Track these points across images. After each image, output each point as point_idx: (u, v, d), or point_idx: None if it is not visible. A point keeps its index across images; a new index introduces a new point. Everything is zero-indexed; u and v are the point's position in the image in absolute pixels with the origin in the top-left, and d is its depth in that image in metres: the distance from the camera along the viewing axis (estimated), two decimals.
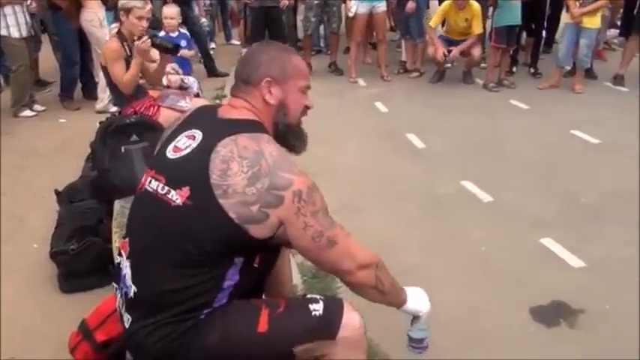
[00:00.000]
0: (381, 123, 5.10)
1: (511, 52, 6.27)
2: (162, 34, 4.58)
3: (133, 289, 1.48)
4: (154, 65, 3.51)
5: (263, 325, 1.44)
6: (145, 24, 3.34)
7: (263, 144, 1.42)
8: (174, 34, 4.82)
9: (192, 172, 1.41)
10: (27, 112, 5.34)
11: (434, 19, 6.07)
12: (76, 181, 3.29)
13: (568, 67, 6.07)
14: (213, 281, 1.43)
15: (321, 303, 1.50)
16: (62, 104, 5.60)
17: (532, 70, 6.49)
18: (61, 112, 5.47)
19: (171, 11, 4.89)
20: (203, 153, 1.41)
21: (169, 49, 3.34)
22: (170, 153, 1.48)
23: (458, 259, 2.84)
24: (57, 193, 3.14)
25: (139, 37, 3.25)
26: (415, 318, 1.90)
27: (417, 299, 1.76)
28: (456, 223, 3.22)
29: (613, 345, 2.21)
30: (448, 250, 2.93)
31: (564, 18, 6.20)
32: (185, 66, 4.66)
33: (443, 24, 6.29)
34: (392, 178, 3.86)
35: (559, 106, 5.41)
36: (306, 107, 1.61)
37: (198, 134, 1.47)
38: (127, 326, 1.50)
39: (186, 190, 1.40)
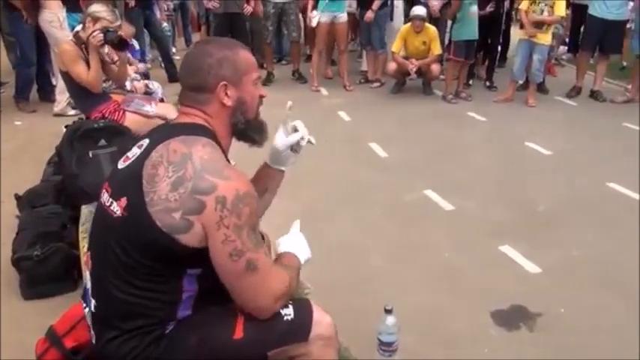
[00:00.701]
0: (344, 132, 5.19)
1: (468, 65, 6.48)
2: None
3: (93, 302, 1.46)
4: (115, 67, 3.48)
5: (239, 332, 1.42)
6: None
7: (194, 147, 1.36)
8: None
9: (130, 181, 1.37)
10: None
11: (395, 44, 6.23)
12: (37, 185, 3.21)
13: (521, 82, 6.31)
14: (169, 293, 1.40)
15: (291, 307, 1.47)
16: (17, 106, 5.45)
17: (488, 84, 6.73)
18: (16, 114, 5.32)
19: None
20: (141, 160, 1.38)
21: (120, 44, 3.31)
22: (120, 164, 1.46)
23: (421, 265, 2.93)
24: (17, 197, 3.06)
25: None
26: (382, 324, 1.96)
27: (300, 252, 1.63)
28: (419, 230, 3.31)
29: (567, 347, 2.32)
30: (412, 256, 3.02)
31: (516, 34, 6.47)
32: (134, 53, 4.68)
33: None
34: (356, 185, 3.93)
35: (514, 118, 5.63)
36: (261, 97, 1.56)
37: (146, 142, 1.43)
38: (94, 342, 1.49)
39: (124, 201, 1.36)
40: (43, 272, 2.52)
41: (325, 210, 3.53)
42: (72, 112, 5.00)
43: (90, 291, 1.48)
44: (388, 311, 1.99)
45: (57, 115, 5.10)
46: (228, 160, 1.47)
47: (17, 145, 4.50)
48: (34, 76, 5.55)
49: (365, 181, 4.00)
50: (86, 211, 2.55)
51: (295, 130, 1.72)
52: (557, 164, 4.39)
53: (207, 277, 1.40)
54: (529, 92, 6.08)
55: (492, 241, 3.16)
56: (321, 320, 1.50)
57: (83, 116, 3.52)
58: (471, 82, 6.77)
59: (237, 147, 1.60)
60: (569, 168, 4.27)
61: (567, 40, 7.85)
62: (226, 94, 1.46)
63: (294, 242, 1.65)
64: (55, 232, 2.65)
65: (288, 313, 1.46)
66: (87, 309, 1.53)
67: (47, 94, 5.61)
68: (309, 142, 1.74)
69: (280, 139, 1.71)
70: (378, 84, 6.72)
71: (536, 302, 2.60)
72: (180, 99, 1.52)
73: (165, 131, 1.47)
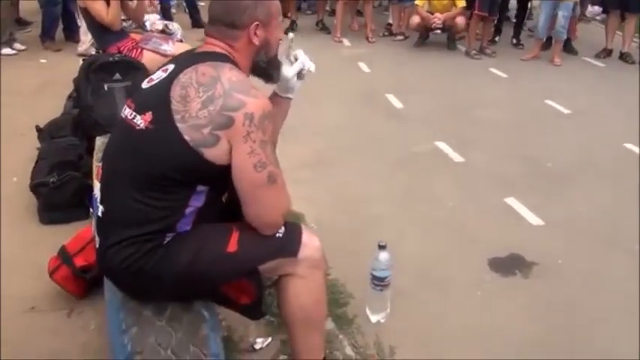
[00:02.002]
0: (362, 82, 5.17)
1: (495, 21, 6.32)
2: None
3: (101, 209, 1.55)
4: (133, 3, 3.53)
5: (233, 246, 1.51)
6: None
7: (222, 70, 1.46)
8: None
9: (156, 98, 1.47)
10: (7, 51, 5.29)
11: None
12: (57, 117, 3.32)
13: (544, 39, 6.15)
14: (174, 207, 1.49)
15: (282, 227, 1.57)
16: (43, 45, 5.55)
17: (514, 41, 6.57)
18: (41, 53, 5.43)
19: None
20: (167, 81, 1.47)
21: None
22: (144, 84, 1.57)
23: (424, 213, 2.98)
24: (38, 129, 3.18)
25: None
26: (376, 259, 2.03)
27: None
28: (426, 180, 3.35)
29: (560, 294, 2.38)
30: (415, 204, 3.07)
31: None
32: None
33: None
34: (368, 135, 3.96)
35: (536, 76, 5.53)
36: (280, 39, 1.67)
37: (171, 67, 1.53)
38: (97, 247, 1.58)
39: (149, 115, 1.46)
40: (59, 199, 2.64)
41: (335, 157, 3.58)
42: (95, 52, 5.07)
43: (99, 198, 1.57)
44: (382, 247, 2.06)
45: (80, 55, 5.17)
46: None
47: (41, 82, 4.62)
48: (60, 16, 5.62)
49: (377, 131, 4.02)
50: (99, 143, 2.64)
51: (297, 59, 1.78)
52: (575, 123, 4.33)
53: (212, 196, 1.52)
54: (554, 50, 5.93)
55: (498, 193, 3.18)
56: (310, 243, 1.58)
57: None
58: (497, 38, 6.61)
59: None
60: (587, 127, 4.22)
61: None
62: (256, 33, 1.56)
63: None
64: (71, 162, 2.76)
65: (280, 230, 1.55)
66: (94, 218, 1.63)
67: (72, 34, 5.69)
68: (309, 70, 1.79)
69: (286, 68, 1.76)
70: (402, 37, 6.62)
71: (535, 252, 2.64)
72: (208, 31, 1.61)
73: (191, 58, 1.56)
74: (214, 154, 1.42)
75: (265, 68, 1.64)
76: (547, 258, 2.61)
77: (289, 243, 1.56)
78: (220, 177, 1.47)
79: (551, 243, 2.75)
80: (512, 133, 4.10)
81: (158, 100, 1.46)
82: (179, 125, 1.41)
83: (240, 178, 1.45)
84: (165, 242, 1.50)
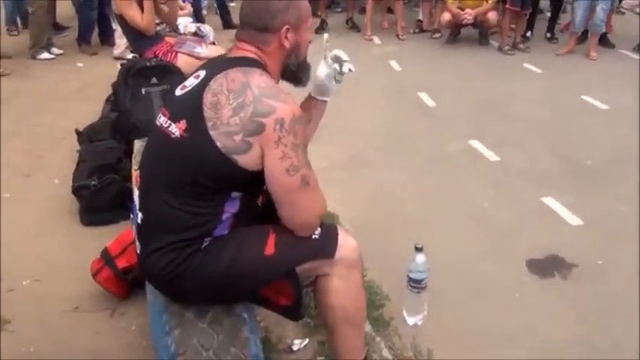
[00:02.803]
0: (393, 81, 5.15)
1: (527, 15, 6.21)
2: None
3: (140, 216, 1.59)
4: (165, 7, 3.59)
5: (270, 248, 1.52)
6: None
7: (251, 76, 1.46)
8: None
9: (190, 106, 1.48)
10: (45, 55, 5.42)
11: None
12: (96, 121, 3.40)
13: (579, 32, 6.01)
14: (210, 213, 1.50)
15: (319, 228, 1.57)
16: (80, 49, 5.68)
17: (548, 35, 6.44)
18: (78, 57, 5.55)
19: None
20: (199, 89, 1.48)
21: None
22: (177, 91, 1.58)
23: (460, 213, 2.95)
24: (78, 132, 3.26)
25: None
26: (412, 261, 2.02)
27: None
28: (461, 179, 3.32)
29: (603, 297, 2.33)
30: (450, 204, 3.04)
31: None
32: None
33: None
34: (401, 134, 3.94)
35: (572, 71, 5.42)
36: (310, 41, 1.66)
37: (202, 73, 1.54)
38: (138, 253, 1.62)
39: (183, 123, 1.48)
40: (100, 201, 2.70)
41: (368, 157, 3.58)
42: (130, 55, 5.16)
43: (138, 205, 1.60)
44: (419, 249, 2.05)
45: (116, 58, 5.28)
46: None
47: (79, 86, 4.73)
48: (96, 20, 5.74)
49: (410, 130, 4.01)
50: (138, 146, 2.69)
51: (337, 59, 1.78)
52: (613, 119, 4.23)
53: (246, 200, 1.53)
54: (590, 44, 5.80)
55: (535, 192, 3.13)
56: (346, 244, 1.58)
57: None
58: (529, 34, 6.47)
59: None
60: (625, 123, 4.11)
61: None
62: (287, 37, 1.56)
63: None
64: (110, 165, 2.82)
65: (316, 232, 1.56)
66: (133, 224, 1.66)
67: (107, 37, 5.81)
68: (349, 70, 1.78)
69: (322, 70, 1.76)
70: (438, 34, 6.51)
71: (574, 253, 2.60)
72: (239, 35, 1.61)
73: (222, 63, 1.57)
74: (247, 161, 1.43)
75: (295, 72, 1.65)
76: (587, 259, 2.56)
77: (326, 244, 1.56)
78: (254, 182, 1.49)
79: (590, 243, 2.70)
80: (548, 130, 4.03)
81: (191, 108, 1.47)
82: (211, 133, 1.42)
83: (274, 183, 1.46)
84: (203, 246, 1.52)
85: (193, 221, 1.49)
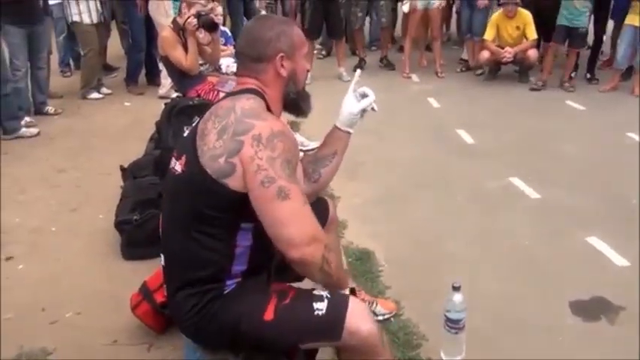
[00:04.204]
0: (432, 118, 5.15)
1: (579, 54, 6.10)
2: None
3: (163, 257, 1.62)
4: (208, 48, 3.73)
5: (270, 314, 1.47)
6: None
7: (239, 101, 1.48)
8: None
9: (188, 141, 1.52)
10: (95, 95, 5.67)
11: (487, 31, 6.06)
12: (140, 158, 3.51)
13: (624, 69, 5.90)
14: (222, 247, 1.48)
15: (326, 302, 1.48)
16: (127, 88, 5.92)
17: (588, 76, 6.27)
18: (125, 96, 5.78)
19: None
20: (198, 123, 1.52)
21: (212, 26, 3.59)
22: (185, 132, 1.63)
23: (500, 251, 2.89)
24: (122, 169, 3.37)
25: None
26: (450, 301, 1.98)
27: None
28: (500, 217, 3.25)
29: None
30: (490, 242, 2.98)
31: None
32: (229, 40, 5.13)
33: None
34: (439, 170, 3.92)
35: (616, 108, 5.31)
36: (307, 71, 1.69)
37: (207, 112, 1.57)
38: (165, 295, 1.65)
39: (183, 159, 1.51)
40: (141, 235, 2.76)
41: (406, 193, 3.56)
42: (175, 94, 5.34)
43: (162, 248, 1.63)
44: (456, 289, 2.01)
45: (162, 97, 5.45)
46: None
47: (125, 124, 4.91)
48: (143, 61, 5.99)
49: (448, 167, 3.98)
50: None
51: (365, 95, 1.81)
52: None
53: (260, 233, 1.45)
54: (635, 81, 5.68)
55: (579, 231, 3.05)
56: (357, 329, 1.46)
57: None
58: (573, 74, 6.24)
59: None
60: None
61: None
62: (282, 65, 1.58)
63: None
64: (152, 200, 2.89)
65: (321, 307, 1.47)
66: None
67: (154, 77, 6.03)
68: (372, 109, 1.82)
69: (351, 103, 1.80)
70: (480, 70, 6.49)
71: (621, 295, 2.50)
72: (237, 71, 1.67)
73: (224, 98, 1.61)
74: (235, 184, 1.41)
75: (296, 100, 1.65)
76: (635, 302, 2.45)
77: (330, 326, 1.46)
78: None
79: (638, 285, 2.59)
80: (592, 167, 3.94)
81: (188, 143, 1.51)
82: (201, 160, 1.44)
83: (253, 199, 1.40)
84: (225, 292, 1.52)
85: (206, 256, 1.49)
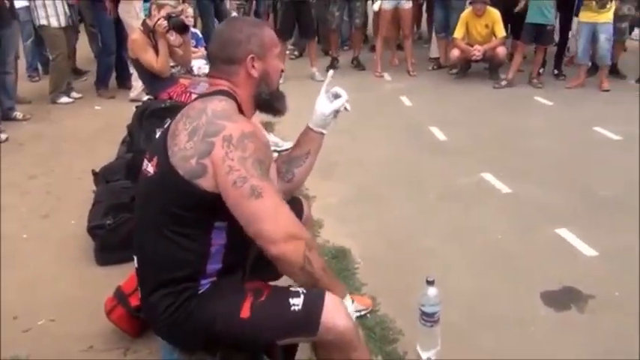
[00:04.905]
0: (404, 116, 5.20)
1: (546, 51, 6.23)
2: None
3: (136, 260, 1.61)
4: (179, 50, 3.71)
5: (246, 312, 1.48)
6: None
7: (210, 103, 1.48)
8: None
9: (159, 143, 1.53)
10: (64, 99, 5.59)
11: (457, 29, 6.13)
12: (112, 162, 3.47)
13: (588, 64, 6.04)
14: (199, 246, 1.49)
15: (302, 297, 1.48)
16: (97, 92, 5.85)
17: (555, 72, 6.42)
18: (96, 100, 5.71)
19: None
20: (169, 125, 1.54)
21: (182, 28, 3.58)
22: (157, 134, 1.64)
23: (473, 246, 2.93)
24: (94, 173, 3.33)
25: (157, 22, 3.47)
26: (424, 295, 2.01)
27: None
28: (472, 213, 3.31)
29: (620, 329, 2.28)
30: (463, 237, 3.03)
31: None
32: (200, 42, 5.10)
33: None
34: (413, 168, 3.96)
35: (583, 103, 5.44)
36: (281, 70, 1.69)
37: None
38: (140, 298, 1.63)
39: (155, 160, 1.52)
40: (115, 240, 2.73)
41: (380, 192, 3.59)
42: (146, 97, 5.29)
43: (135, 250, 1.63)
44: (430, 283, 2.03)
45: (133, 100, 5.41)
46: None
47: (96, 128, 4.85)
48: (114, 65, 5.92)
49: (422, 164, 4.02)
50: None
51: (337, 95, 1.82)
52: (626, 149, 4.20)
53: (234, 230, 1.46)
54: (601, 76, 5.83)
55: (549, 224, 3.11)
56: (334, 325, 1.47)
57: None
58: (541, 70, 6.40)
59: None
60: (637, 153, 4.09)
61: None
62: (253, 65, 1.59)
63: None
64: (125, 204, 2.86)
65: (297, 303, 1.48)
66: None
67: (124, 80, 5.97)
68: (345, 109, 1.83)
69: (324, 104, 1.81)
70: (455, 70, 6.54)
71: (590, 285, 2.56)
72: (210, 73, 1.67)
73: (195, 99, 1.61)
74: (208, 184, 1.42)
75: (269, 100, 1.65)
76: (603, 290, 2.52)
77: (306, 322, 1.47)
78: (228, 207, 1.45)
79: (606, 274, 2.66)
80: (561, 161, 4.03)
81: (160, 144, 1.51)
82: (172, 160, 1.44)
83: (227, 200, 1.41)
84: (200, 292, 1.52)
85: (182, 257, 1.49)
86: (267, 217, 1.39)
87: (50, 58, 5.60)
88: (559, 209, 3.30)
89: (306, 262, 1.43)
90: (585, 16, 5.73)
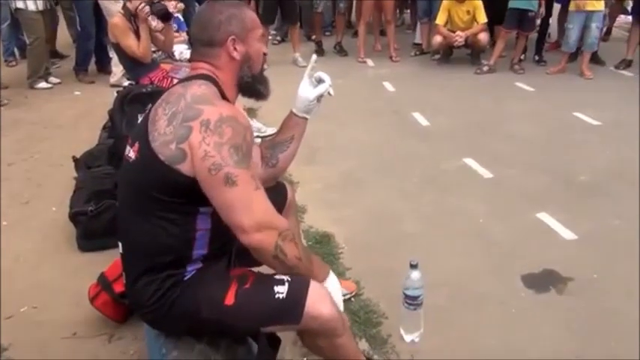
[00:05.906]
0: (387, 101, 5.20)
1: (527, 38, 6.25)
2: None
3: (121, 245, 1.60)
4: (161, 35, 3.66)
5: (230, 299, 1.49)
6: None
7: (190, 87, 1.46)
8: None
9: (141, 128, 1.52)
10: (43, 84, 5.49)
11: (439, 16, 6.12)
12: (93, 148, 3.43)
13: (573, 51, 6.09)
14: (183, 231, 1.48)
15: (286, 285, 1.49)
16: (77, 77, 5.75)
17: (537, 58, 6.46)
18: (75, 85, 5.62)
19: None
20: (150, 110, 1.52)
21: (165, 15, 3.55)
22: (139, 118, 1.63)
23: (455, 230, 2.97)
24: (75, 159, 3.29)
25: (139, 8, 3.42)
26: (408, 278, 2.03)
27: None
28: (455, 197, 3.34)
29: (597, 310, 2.34)
30: (446, 221, 3.06)
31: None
32: (182, 26, 5.07)
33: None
34: (396, 153, 3.98)
35: (564, 89, 5.49)
36: (264, 54, 1.66)
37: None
38: (125, 283, 1.63)
39: (136, 146, 1.50)
40: (97, 226, 2.71)
41: (363, 177, 3.61)
42: (127, 82, 5.22)
43: (118, 236, 1.62)
44: (413, 266, 2.06)
45: (113, 85, 5.33)
46: None
47: (76, 114, 4.78)
48: (93, 49, 5.82)
49: (405, 149, 4.04)
50: None
51: (321, 80, 1.81)
52: (605, 135, 4.27)
53: (219, 216, 1.45)
54: (584, 63, 5.87)
55: (529, 208, 3.16)
56: (319, 314, 1.49)
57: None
58: (523, 56, 6.42)
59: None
60: (617, 139, 4.16)
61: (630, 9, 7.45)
62: (235, 48, 1.56)
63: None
64: (107, 191, 2.84)
65: (281, 291, 1.49)
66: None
67: (104, 65, 5.88)
68: (328, 93, 1.83)
69: (307, 89, 1.80)
70: (438, 55, 6.54)
71: (569, 267, 2.61)
72: (192, 56, 1.65)
73: (177, 84, 1.59)
74: (188, 169, 1.40)
75: (252, 84, 1.62)
76: (582, 273, 2.58)
77: (290, 309, 1.49)
78: None
79: (585, 257, 2.71)
80: (541, 146, 4.08)
81: (141, 129, 1.50)
82: (153, 145, 1.42)
83: (202, 185, 1.40)
84: (185, 278, 1.52)
85: (167, 243, 1.49)
86: (240, 206, 1.38)
87: (27, 42, 5.49)
88: (539, 194, 3.35)
89: (278, 251, 1.43)
90: (578, 5, 5.75)
